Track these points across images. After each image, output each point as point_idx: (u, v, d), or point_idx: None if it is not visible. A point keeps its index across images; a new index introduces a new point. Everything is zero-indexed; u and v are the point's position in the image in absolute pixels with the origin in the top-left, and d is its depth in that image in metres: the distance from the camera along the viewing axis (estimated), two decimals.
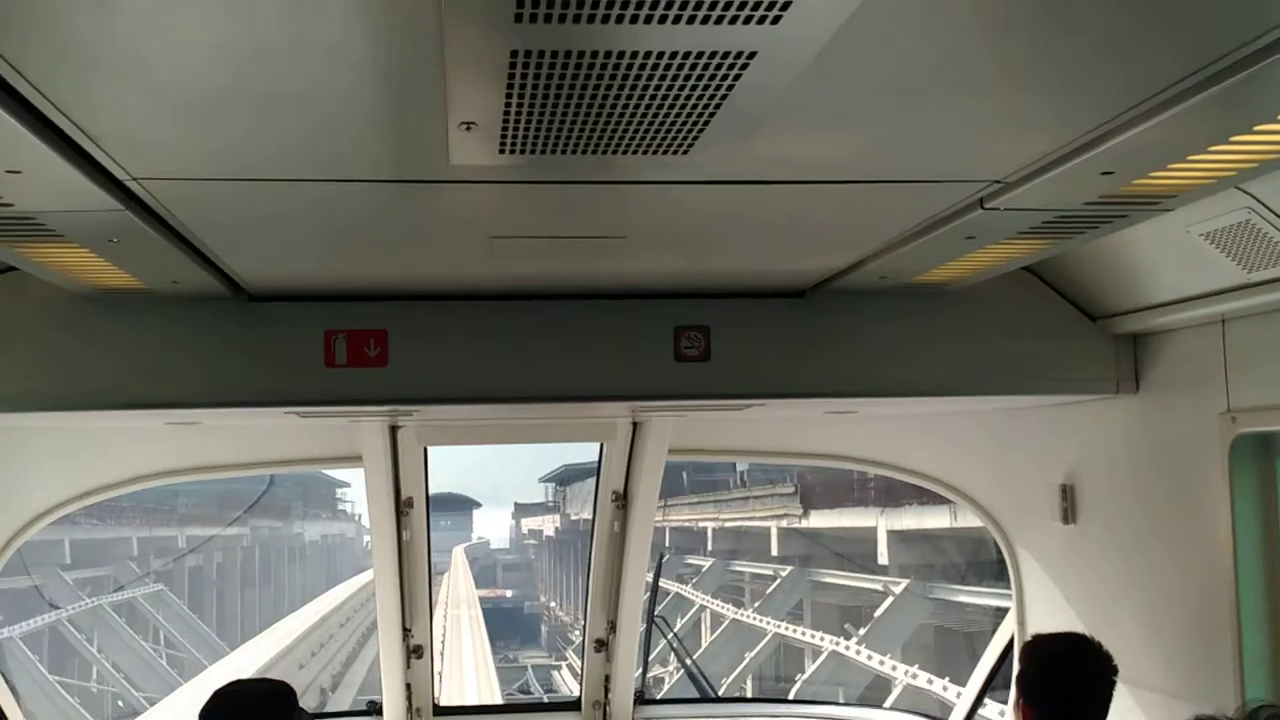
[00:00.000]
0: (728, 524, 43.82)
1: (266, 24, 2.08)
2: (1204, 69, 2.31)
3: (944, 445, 6.24)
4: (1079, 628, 4.77)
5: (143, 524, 46.02)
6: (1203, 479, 4.31)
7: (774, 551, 38.44)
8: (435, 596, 7.15)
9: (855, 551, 32.96)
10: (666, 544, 46.22)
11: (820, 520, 35.25)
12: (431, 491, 6.36)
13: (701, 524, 47.00)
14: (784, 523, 37.04)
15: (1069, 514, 5.26)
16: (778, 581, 36.65)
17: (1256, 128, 2.62)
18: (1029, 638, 4.40)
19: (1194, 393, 4.39)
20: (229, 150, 2.75)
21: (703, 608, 40.62)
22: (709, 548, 46.40)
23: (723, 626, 37.25)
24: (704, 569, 44.24)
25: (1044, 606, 5.68)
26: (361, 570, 62.81)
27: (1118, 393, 4.79)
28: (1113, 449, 5.00)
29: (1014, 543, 5.99)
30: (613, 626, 6.58)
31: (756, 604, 36.69)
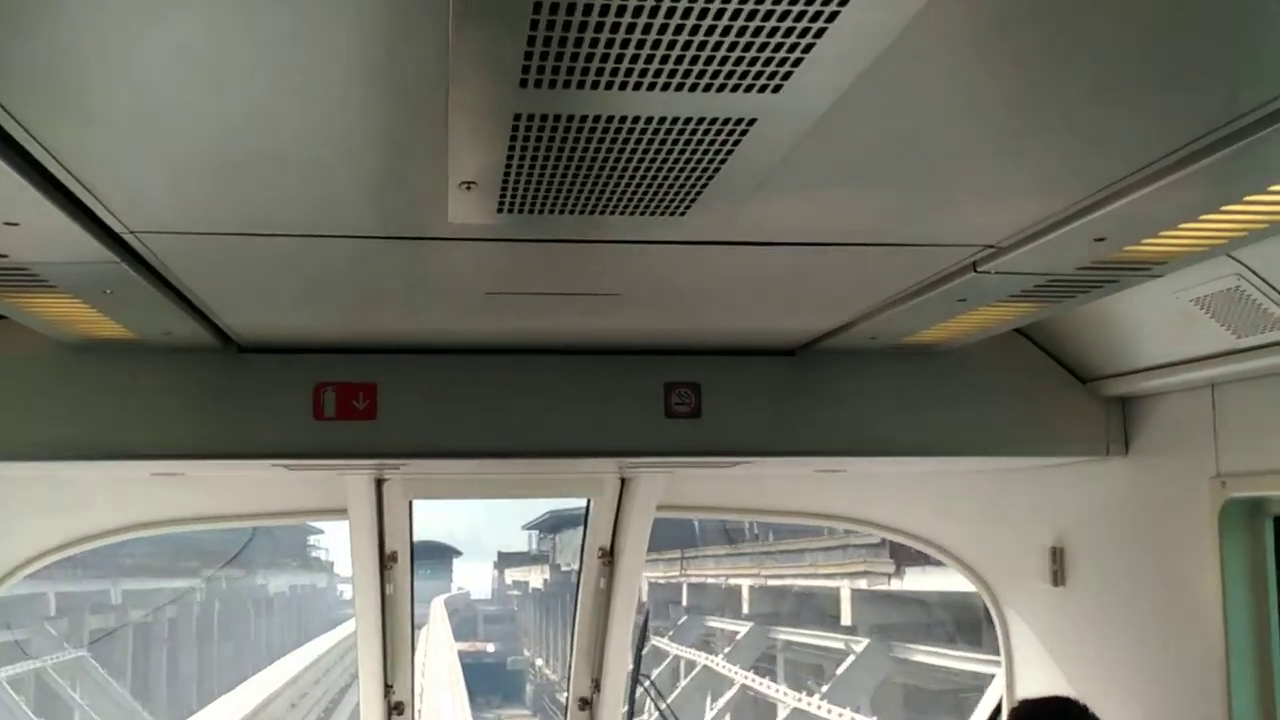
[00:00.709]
0: (769, 581, 36.32)
1: (268, 85, 2.09)
2: (1195, 141, 2.35)
3: (934, 506, 6.23)
4: (1068, 691, 4.73)
5: (67, 578, 37.00)
6: (1193, 543, 4.31)
7: (845, 618, 30.18)
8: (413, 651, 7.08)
9: (958, 619, 26.43)
10: (684, 600, 44.17)
11: (918, 581, 26.31)
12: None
13: (733, 580, 39.67)
14: (863, 583, 28.84)
15: (1059, 576, 5.25)
16: (851, 658, 28.69)
17: (1247, 198, 2.65)
18: (1016, 702, 4.37)
19: (1184, 456, 4.40)
20: (227, 205, 2.75)
21: (743, 687, 31.88)
22: (745, 609, 38.36)
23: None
24: (738, 636, 36.54)
25: (1033, 670, 5.64)
26: (336, 623, 59.55)
27: (1107, 455, 4.79)
28: (1103, 512, 5.00)
29: (1003, 605, 5.97)
30: (597, 685, 6.51)
31: (825, 686, 28.35)
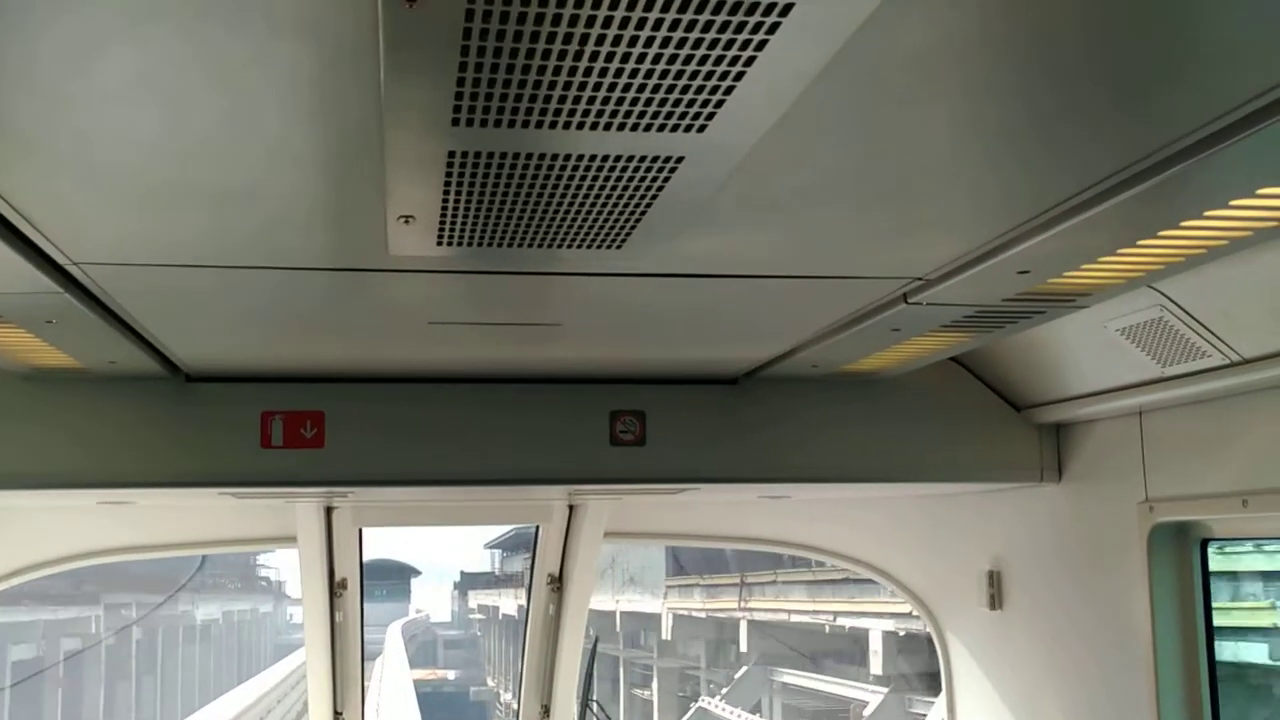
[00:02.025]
0: (762, 616, 31.35)
1: (208, 121, 2.13)
2: (1109, 178, 2.44)
3: (875, 531, 6.32)
4: (1005, 713, 4.83)
5: None
6: (1123, 567, 4.41)
7: (876, 666, 25.14)
8: (366, 686, 7.06)
9: None
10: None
11: None
12: (366, 559, 6.33)
13: (725, 614, 34.02)
14: (901, 626, 23.88)
15: (995, 600, 5.35)
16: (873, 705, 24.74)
17: (1161, 233, 2.76)
18: None
19: (1114, 482, 4.51)
20: (170, 238, 2.79)
21: None
22: (742, 648, 32.71)
23: None
24: (736, 677, 31.79)
25: (972, 692, 5.73)
26: (287, 652, 53.46)
27: (1041, 481, 4.90)
28: (1037, 536, 5.10)
29: (943, 629, 6.06)
30: (546, 711, 6.55)
31: None
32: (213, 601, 57.79)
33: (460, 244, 2.73)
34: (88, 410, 4.32)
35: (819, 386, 4.70)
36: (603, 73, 1.86)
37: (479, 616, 76.39)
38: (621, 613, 41.98)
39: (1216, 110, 2.14)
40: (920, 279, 3.22)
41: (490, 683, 65.02)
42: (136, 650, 45.80)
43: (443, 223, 2.58)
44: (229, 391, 4.42)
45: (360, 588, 6.22)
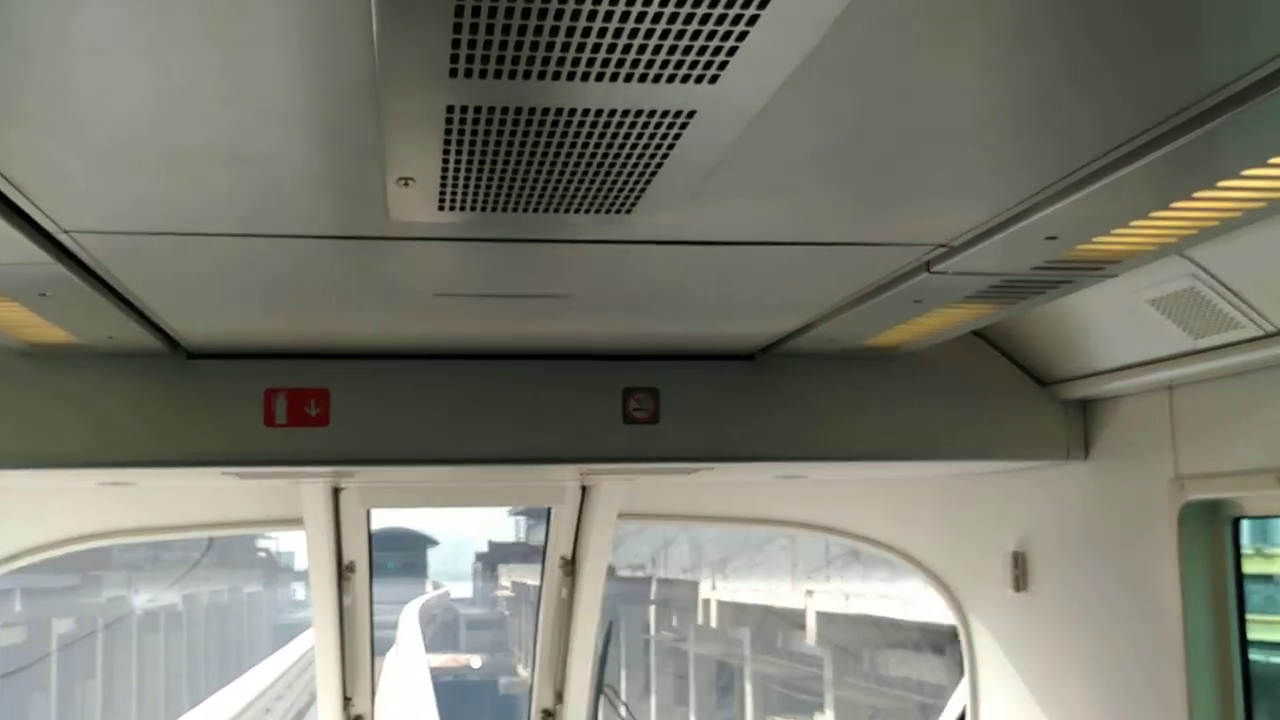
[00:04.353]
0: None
1: (194, 79, 2.03)
2: (1142, 135, 2.32)
3: (896, 511, 6.21)
4: (1030, 698, 4.72)
5: None
6: (1152, 546, 4.29)
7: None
8: (377, 680, 6.97)
9: None
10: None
11: None
12: (378, 528, 6.25)
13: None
14: None
15: (1020, 582, 5.23)
16: None
17: (1196, 194, 2.63)
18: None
19: (1143, 459, 4.39)
20: (161, 204, 2.69)
21: None
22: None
23: None
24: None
25: (996, 676, 5.62)
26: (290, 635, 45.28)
27: (1068, 459, 4.78)
28: (1064, 516, 4.98)
29: (966, 611, 5.94)
30: (559, 696, 6.46)
31: None
32: (164, 583, 43.60)
33: (463, 208, 2.62)
34: (86, 388, 4.23)
35: (838, 363, 4.58)
36: (607, 17, 1.75)
37: (508, 593, 65.37)
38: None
39: (1255, 61, 2.02)
40: (944, 246, 3.09)
41: (523, 672, 47.75)
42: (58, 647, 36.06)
43: (444, 185, 2.47)
44: (231, 368, 4.32)
45: (369, 570, 6.15)
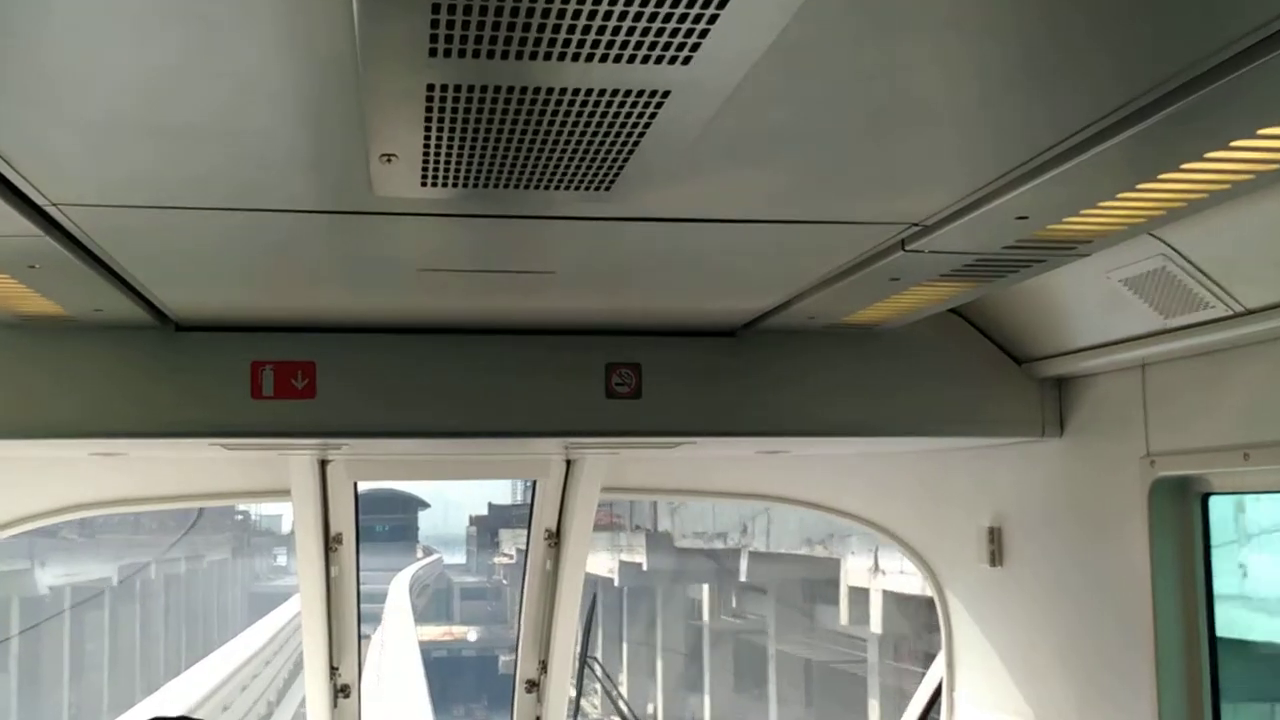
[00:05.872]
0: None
1: (177, 53, 2.07)
2: (1106, 118, 2.37)
3: (875, 486, 6.28)
4: (1005, 670, 4.81)
5: None
6: (1124, 522, 4.37)
7: None
8: (363, 656, 7.02)
9: None
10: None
11: None
12: (365, 489, 6.30)
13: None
14: None
15: (996, 557, 5.31)
16: None
17: (1161, 176, 2.69)
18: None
19: (1116, 436, 4.46)
20: (148, 178, 2.73)
21: None
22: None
23: None
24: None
25: (972, 649, 5.71)
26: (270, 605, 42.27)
27: (1043, 435, 4.85)
28: (1039, 492, 5.06)
29: (943, 585, 6.03)
30: (544, 667, 6.54)
31: None
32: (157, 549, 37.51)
33: (446, 184, 2.67)
34: (75, 359, 4.27)
35: (818, 339, 4.64)
36: (581, 0, 1.80)
37: (507, 561, 59.76)
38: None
39: (1216, 45, 2.07)
40: (918, 225, 3.15)
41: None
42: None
43: (426, 162, 2.52)
44: (218, 341, 4.37)
45: (356, 542, 6.21)
